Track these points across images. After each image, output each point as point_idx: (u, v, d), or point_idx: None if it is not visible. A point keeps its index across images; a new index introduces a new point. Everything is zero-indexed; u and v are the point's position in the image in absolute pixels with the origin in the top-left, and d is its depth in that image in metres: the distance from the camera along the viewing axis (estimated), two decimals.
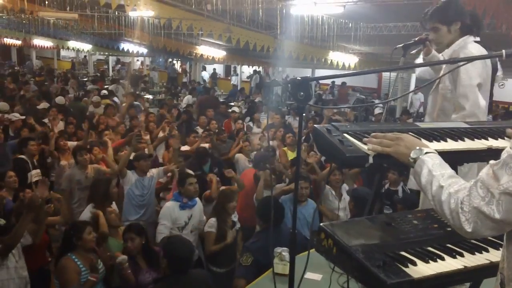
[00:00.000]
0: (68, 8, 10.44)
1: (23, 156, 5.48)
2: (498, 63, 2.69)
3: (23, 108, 8.78)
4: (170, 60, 22.71)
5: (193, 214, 4.35)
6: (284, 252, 3.02)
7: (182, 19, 8.87)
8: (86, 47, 19.24)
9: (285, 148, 6.59)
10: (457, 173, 1.35)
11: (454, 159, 1.54)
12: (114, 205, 4.34)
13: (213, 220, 4.22)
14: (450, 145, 1.60)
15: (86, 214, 4.12)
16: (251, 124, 9.09)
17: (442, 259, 1.43)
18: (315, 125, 1.69)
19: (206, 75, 22.09)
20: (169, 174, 5.23)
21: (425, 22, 2.72)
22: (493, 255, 1.48)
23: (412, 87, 15.88)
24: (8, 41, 19.34)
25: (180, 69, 23.88)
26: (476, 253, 1.50)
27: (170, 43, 14.03)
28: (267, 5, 7.79)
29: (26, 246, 3.53)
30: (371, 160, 1.44)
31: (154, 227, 4.45)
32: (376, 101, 16.30)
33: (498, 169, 1.15)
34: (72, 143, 6.13)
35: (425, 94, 8.88)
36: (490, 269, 1.41)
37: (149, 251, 3.68)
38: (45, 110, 8.46)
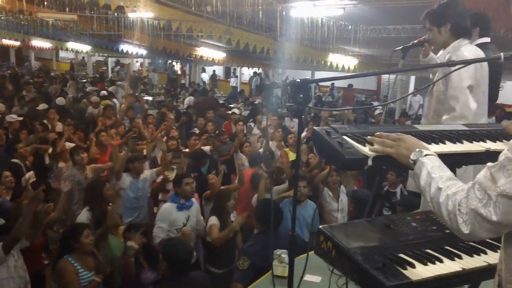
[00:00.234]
0: (67, 9, 10.39)
1: (16, 160, 5.46)
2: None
3: (22, 109, 8.76)
4: (170, 61, 22.66)
5: (191, 214, 4.37)
6: (284, 254, 3.02)
7: (182, 20, 8.85)
8: (85, 48, 19.20)
9: (286, 149, 6.65)
10: (455, 175, 1.35)
11: (452, 162, 1.54)
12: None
13: (214, 217, 4.23)
14: (449, 147, 1.61)
15: (82, 216, 4.11)
16: (252, 124, 9.10)
17: (441, 261, 1.44)
18: (314, 127, 1.69)
19: (206, 76, 22.07)
20: (161, 176, 5.22)
21: (423, 23, 2.75)
22: (491, 257, 1.48)
23: (411, 89, 15.92)
24: (6, 42, 19.29)
25: (180, 71, 23.87)
26: (474, 255, 1.50)
27: (170, 44, 14.02)
28: (267, 7, 7.79)
29: (23, 249, 3.51)
30: (370, 162, 1.44)
31: (148, 228, 4.43)
32: (375, 103, 16.31)
33: (495, 171, 1.15)
34: (69, 144, 6.11)
35: (424, 97, 8.88)
36: (488, 271, 1.41)
37: (150, 251, 3.69)
38: (44, 111, 8.43)
